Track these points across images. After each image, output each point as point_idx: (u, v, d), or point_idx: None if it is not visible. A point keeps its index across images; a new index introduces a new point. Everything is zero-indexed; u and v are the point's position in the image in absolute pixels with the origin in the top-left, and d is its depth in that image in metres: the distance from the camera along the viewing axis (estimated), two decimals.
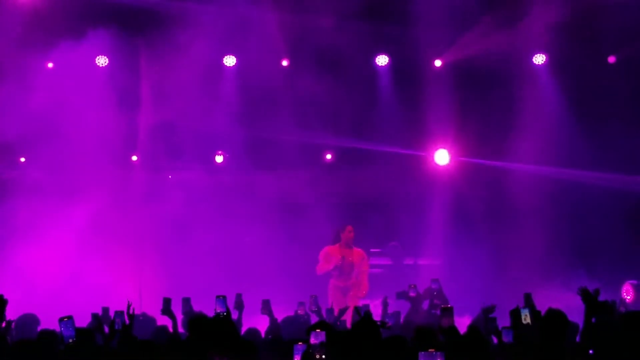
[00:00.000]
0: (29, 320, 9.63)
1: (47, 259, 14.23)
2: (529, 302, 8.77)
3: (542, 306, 8.27)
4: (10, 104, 14.33)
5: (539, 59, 15.85)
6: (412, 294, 11.07)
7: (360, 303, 12.10)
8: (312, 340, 5.44)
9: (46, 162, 14.74)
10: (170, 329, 9.03)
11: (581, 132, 15.37)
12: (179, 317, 9.45)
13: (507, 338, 7.13)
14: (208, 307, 8.51)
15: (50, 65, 15.28)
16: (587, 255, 15.01)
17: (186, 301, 9.71)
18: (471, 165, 16.03)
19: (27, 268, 14.24)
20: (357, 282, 13.78)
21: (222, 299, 7.89)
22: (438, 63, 15.84)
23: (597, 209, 15.28)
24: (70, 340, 6.60)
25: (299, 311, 10.89)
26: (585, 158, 15.34)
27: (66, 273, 14.23)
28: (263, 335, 9.30)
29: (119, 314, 8.14)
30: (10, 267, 14.32)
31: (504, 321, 7.75)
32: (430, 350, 4.95)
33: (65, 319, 6.70)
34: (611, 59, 15.74)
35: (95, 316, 9.39)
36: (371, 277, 15.91)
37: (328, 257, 13.79)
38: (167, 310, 9.29)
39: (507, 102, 15.48)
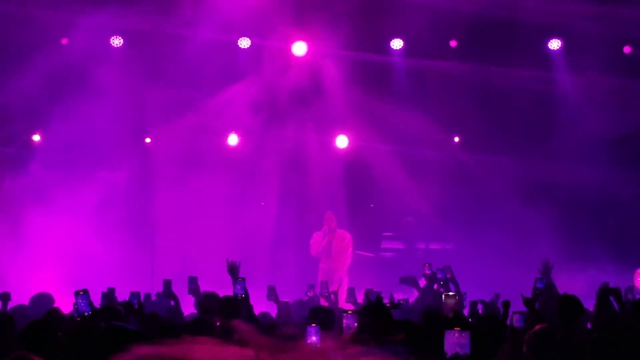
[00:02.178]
0: (44, 299, 9.63)
1: (60, 235, 14.25)
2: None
3: (561, 288, 8.26)
4: (30, 75, 14.35)
5: (555, 44, 15.71)
6: (427, 272, 10.98)
7: (346, 285, 12.36)
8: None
9: (62, 138, 14.76)
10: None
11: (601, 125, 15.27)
12: (186, 297, 9.44)
13: (518, 323, 7.10)
14: (217, 288, 8.52)
15: (65, 40, 15.23)
16: (607, 239, 14.94)
17: (192, 279, 9.50)
18: (484, 150, 15.95)
19: (41, 242, 14.28)
20: (340, 264, 14.36)
21: (241, 281, 7.87)
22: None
23: (617, 197, 15.22)
24: (86, 314, 6.56)
25: (308, 293, 10.93)
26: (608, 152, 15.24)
27: (79, 250, 14.26)
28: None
29: (135, 294, 8.18)
30: (25, 239, 14.39)
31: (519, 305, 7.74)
32: (456, 328, 4.96)
33: (81, 292, 6.67)
34: (626, 49, 15.53)
35: (105, 295, 9.41)
36: (382, 261, 15.95)
37: (316, 241, 14.58)
38: (168, 292, 9.25)
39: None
